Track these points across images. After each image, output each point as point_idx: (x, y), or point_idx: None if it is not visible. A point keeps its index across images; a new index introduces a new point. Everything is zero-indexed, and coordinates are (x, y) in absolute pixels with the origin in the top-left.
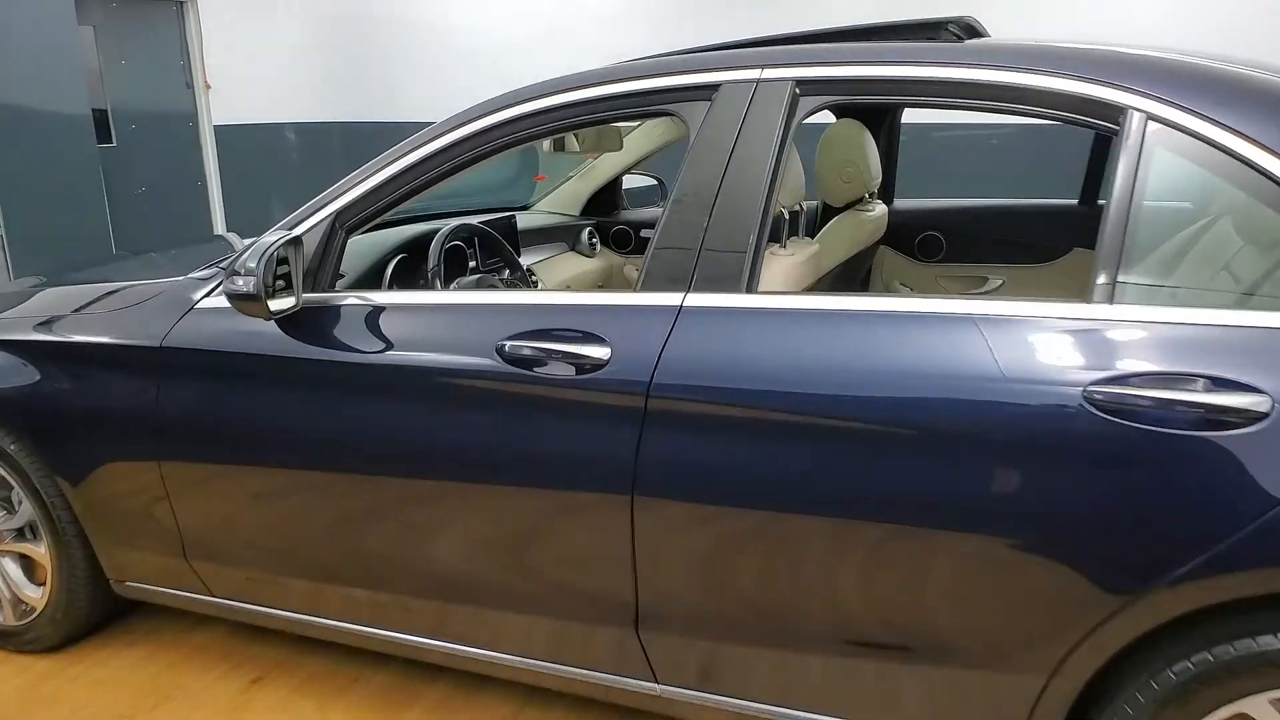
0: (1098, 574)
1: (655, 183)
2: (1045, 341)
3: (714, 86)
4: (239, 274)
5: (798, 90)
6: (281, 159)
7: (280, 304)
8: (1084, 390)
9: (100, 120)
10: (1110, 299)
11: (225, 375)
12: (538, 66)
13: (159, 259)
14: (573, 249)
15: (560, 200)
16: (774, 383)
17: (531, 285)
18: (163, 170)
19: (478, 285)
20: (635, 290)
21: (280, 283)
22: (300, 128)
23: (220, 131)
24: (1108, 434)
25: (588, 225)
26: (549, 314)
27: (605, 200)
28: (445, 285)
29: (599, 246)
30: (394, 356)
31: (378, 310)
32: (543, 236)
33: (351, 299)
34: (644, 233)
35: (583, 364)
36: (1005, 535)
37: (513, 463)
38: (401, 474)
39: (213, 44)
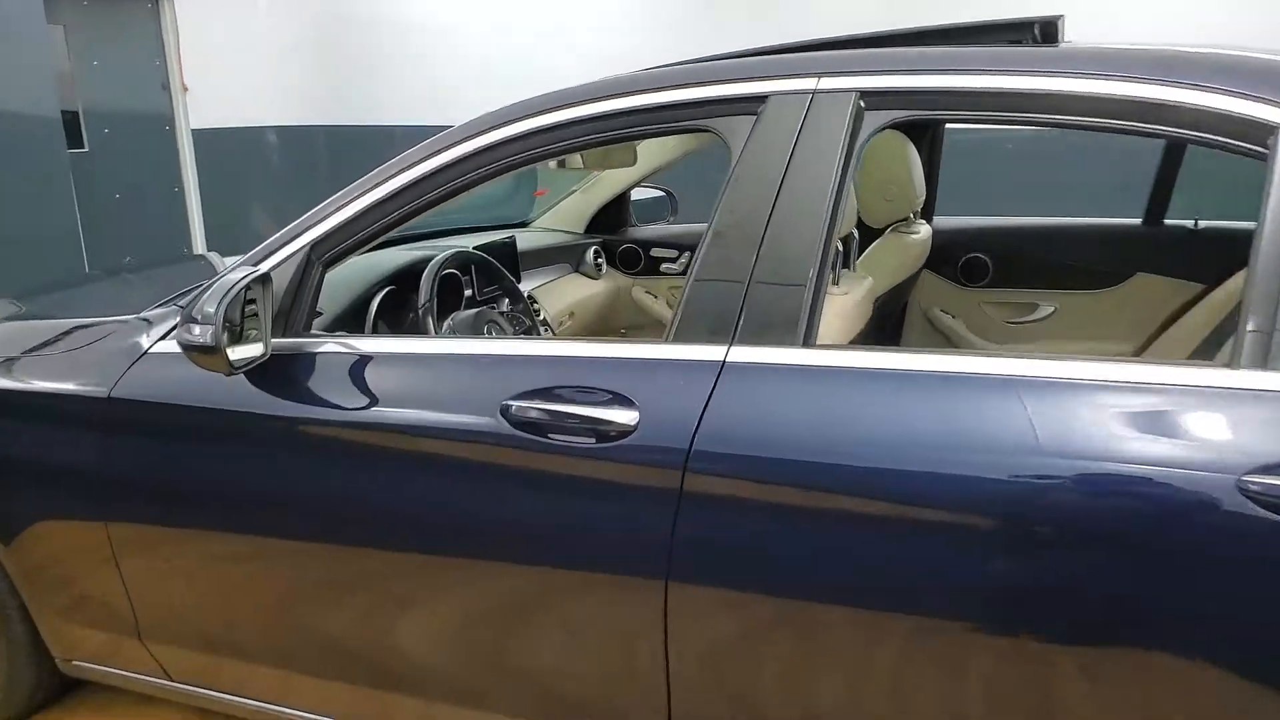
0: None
1: (665, 195)
2: (1187, 417)
3: (760, 98)
4: (195, 321)
5: (862, 103)
6: (263, 164)
7: (245, 353)
8: (1237, 481)
9: (71, 124)
10: (1264, 362)
11: (182, 432)
12: (535, 70)
13: (134, 279)
14: (577, 270)
15: (562, 217)
16: (842, 458)
17: (534, 316)
18: (138, 176)
19: (475, 321)
20: (666, 341)
21: (251, 307)
22: (283, 131)
23: (198, 135)
24: (1269, 535)
25: (593, 244)
26: (563, 368)
27: (612, 216)
28: (439, 321)
29: (605, 267)
30: (378, 415)
31: (360, 360)
32: (544, 257)
33: (330, 345)
34: (654, 251)
35: (605, 430)
36: (1133, 649)
37: (519, 545)
38: (384, 552)
39: (190, 44)
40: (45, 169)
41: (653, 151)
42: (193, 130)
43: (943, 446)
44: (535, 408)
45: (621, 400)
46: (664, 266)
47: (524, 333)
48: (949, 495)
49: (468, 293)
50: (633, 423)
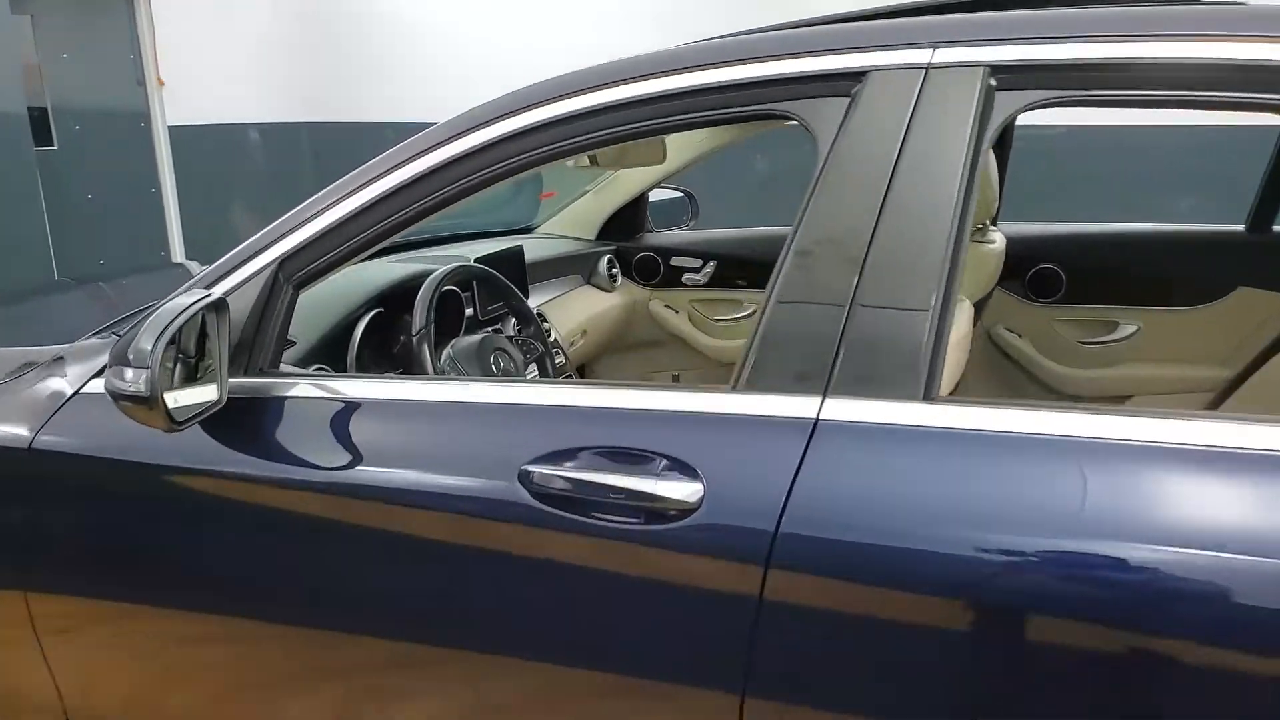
0: None
1: (682, 196)
2: None
3: (856, 76)
4: (127, 362)
5: (993, 81)
6: (244, 163)
7: (194, 399)
8: None
9: (39, 120)
10: None
11: (119, 493)
12: (534, 66)
13: (107, 290)
14: (588, 282)
15: (572, 221)
16: (978, 553)
17: (547, 340)
18: (111, 176)
19: (480, 350)
20: (734, 389)
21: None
22: (265, 129)
23: (175, 133)
24: None
25: (606, 253)
26: (599, 423)
27: (626, 221)
28: (436, 350)
29: (620, 278)
30: (362, 477)
31: (340, 407)
32: (552, 268)
33: (302, 387)
34: (674, 260)
35: (658, 508)
36: None
37: (542, 647)
38: (366, 647)
39: (166, 36)
40: (11, 168)
41: (678, 146)
42: (169, 127)
43: (1132, 540)
44: (564, 475)
45: (679, 468)
46: (686, 277)
47: (536, 360)
48: (1144, 605)
49: (469, 312)
50: (695, 499)
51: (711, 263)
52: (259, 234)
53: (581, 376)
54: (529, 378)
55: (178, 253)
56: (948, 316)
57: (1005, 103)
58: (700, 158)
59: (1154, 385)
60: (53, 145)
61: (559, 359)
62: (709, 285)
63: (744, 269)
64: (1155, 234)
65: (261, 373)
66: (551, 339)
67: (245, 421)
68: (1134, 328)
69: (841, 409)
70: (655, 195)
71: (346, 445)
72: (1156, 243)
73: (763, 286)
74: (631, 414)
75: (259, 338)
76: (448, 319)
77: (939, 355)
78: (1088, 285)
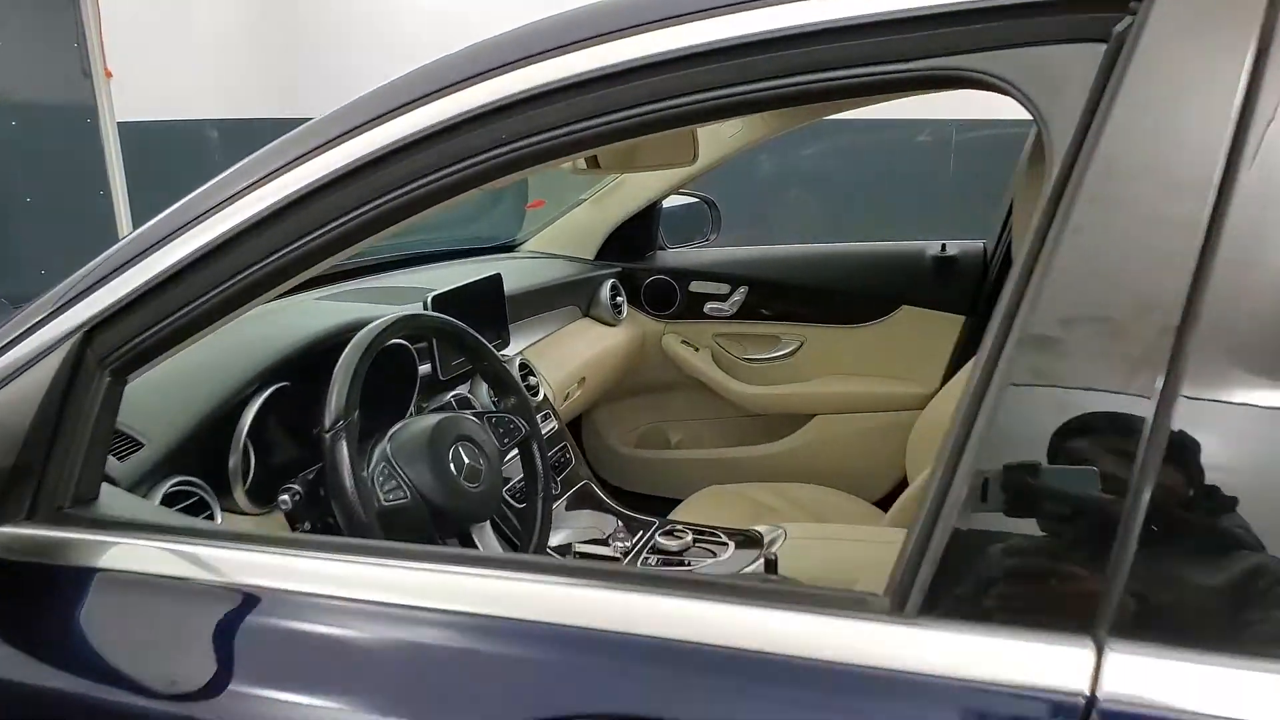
0: None
1: (699, 204)
2: None
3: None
4: None
5: None
6: (202, 163)
7: None
8: None
9: None
10: None
11: None
12: None
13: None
14: (587, 314)
15: (565, 236)
16: None
17: (533, 415)
18: (54, 177)
19: (432, 443)
20: (899, 613)
21: None
22: (224, 125)
23: (126, 130)
24: None
25: (609, 276)
26: (643, 663)
27: (634, 236)
28: (367, 446)
29: (625, 308)
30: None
31: (182, 594)
32: (540, 299)
33: (118, 552)
34: (694, 286)
35: None
36: None
37: None
38: None
39: (115, 23)
40: None
41: (704, 140)
42: (119, 123)
43: None
44: None
45: None
46: (708, 307)
47: (519, 445)
48: None
49: (424, 370)
50: None
51: (741, 289)
52: (49, 293)
53: (574, 435)
54: (512, 543)
55: None
56: None
57: None
58: (724, 158)
59: None
60: None
61: (550, 424)
62: (737, 317)
63: (781, 297)
64: None
65: (58, 516)
66: (540, 397)
67: (17, 606)
68: None
69: (1137, 673)
70: (667, 203)
71: (202, 660)
72: None
73: (803, 319)
74: (705, 655)
75: (54, 459)
76: (391, 386)
77: None
78: None
